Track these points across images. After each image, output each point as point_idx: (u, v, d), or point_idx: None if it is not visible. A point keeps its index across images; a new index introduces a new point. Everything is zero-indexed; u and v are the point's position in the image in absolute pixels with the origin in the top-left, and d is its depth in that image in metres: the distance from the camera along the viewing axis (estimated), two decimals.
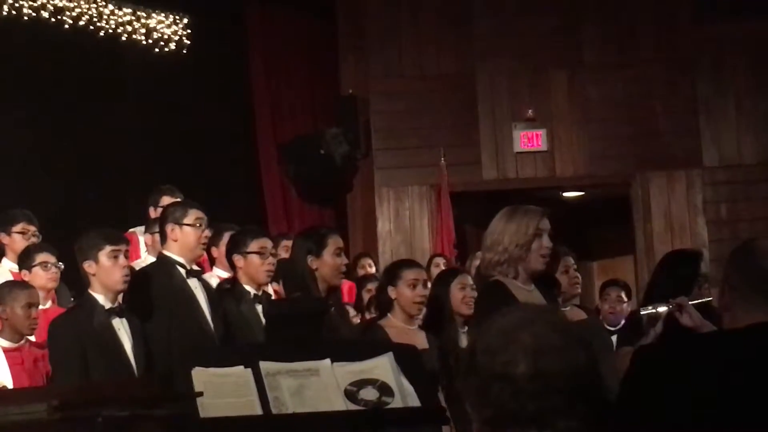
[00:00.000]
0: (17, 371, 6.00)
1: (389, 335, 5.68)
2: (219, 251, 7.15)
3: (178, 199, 7.33)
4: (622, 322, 7.60)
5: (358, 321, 7.30)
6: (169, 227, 5.96)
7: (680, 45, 11.41)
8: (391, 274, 6.06)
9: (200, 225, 5.97)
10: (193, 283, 5.94)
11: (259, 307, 6.09)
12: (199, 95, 10.65)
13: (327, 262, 5.64)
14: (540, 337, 2.10)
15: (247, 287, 6.15)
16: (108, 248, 5.48)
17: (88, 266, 5.48)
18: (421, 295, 5.93)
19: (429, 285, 6.20)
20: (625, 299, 8.45)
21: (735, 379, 2.80)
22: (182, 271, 5.90)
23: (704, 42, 11.37)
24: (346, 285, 8.15)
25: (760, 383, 2.79)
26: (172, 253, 5.95)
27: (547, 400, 2.07)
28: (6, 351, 6.05)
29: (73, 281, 6.56)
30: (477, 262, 9.11)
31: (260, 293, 6.17)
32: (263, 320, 5.93)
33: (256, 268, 6.14)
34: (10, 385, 5.87)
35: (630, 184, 11.46)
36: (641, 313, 5.04)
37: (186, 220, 5.95)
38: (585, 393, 2.09)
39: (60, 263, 6.91)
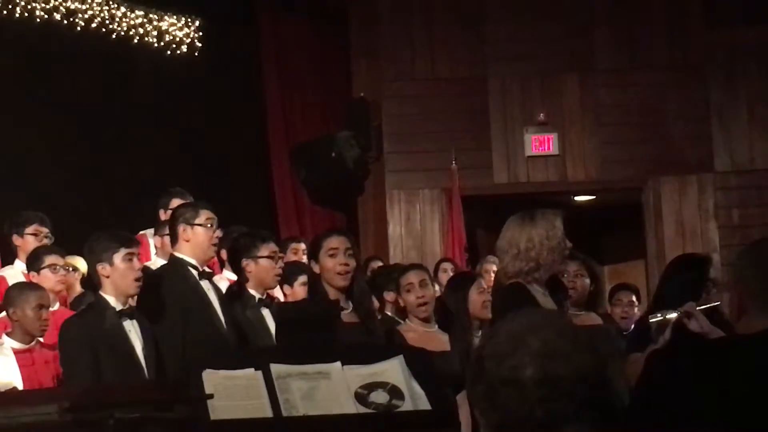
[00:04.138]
0: (28, 372, 6.02)
1: (407, 339, 5.70)
2: None
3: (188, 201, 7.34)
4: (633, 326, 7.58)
5: None
6: (180, 228, 5.96)
7: (693, 50, 11.39)
8: (396, 283, 6.24)
9: (211, 225, 5.97)
10: (205, 285, 5.94)
11: (265, 311, 6.10)
12: (210, 98, 10.66)
13: (323, 265, 5.46)
14: (548, 342, 2.09)
15: (253, 292, 6.16)
16: (123, 251, 5.48)
17: (102, 268, 5.47)
18: (419, 297, 6.02)
19: (429, 285, 6.24)
20: (636, 303, 8.44)
21: (750, 385, 2.78)
22: (194, 272, 5.91)
23: (717, 47, 11.35)
24: None
25: None
26: (184, 254, 5.95)
27: (554, 405, 2.06)
28: (17, 352, 6.07)
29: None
30: (488, 266, 9.18)
31: (265, 297, 6.18)
32: (269, 324, 5.95)
33: (267, 272, 6.16)
34: (20, 387, 5.89)
35: (641, 188, 11.45)
36: (650, 320, 5.02)
37: (197, 221, 5.94)
38: (593, 398, 2.08)
39: (68, 266, 6.92)
